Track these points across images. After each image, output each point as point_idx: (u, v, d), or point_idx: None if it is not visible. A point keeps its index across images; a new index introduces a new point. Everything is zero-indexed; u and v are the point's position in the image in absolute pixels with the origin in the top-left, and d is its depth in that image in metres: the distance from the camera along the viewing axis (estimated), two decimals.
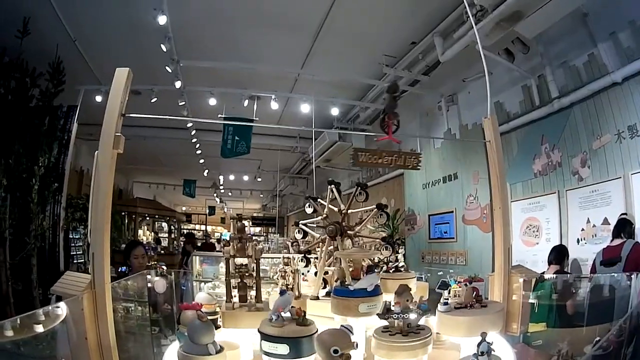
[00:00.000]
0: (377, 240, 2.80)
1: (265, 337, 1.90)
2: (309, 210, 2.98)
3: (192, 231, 23.44)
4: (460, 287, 2.42)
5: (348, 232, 2.69)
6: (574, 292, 4.03)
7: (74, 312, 2.14)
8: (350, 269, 2.55)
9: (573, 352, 3.47)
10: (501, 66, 7.41)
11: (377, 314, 2.05)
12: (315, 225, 3.04)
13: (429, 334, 1.96)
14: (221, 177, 20.70)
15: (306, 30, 7.90)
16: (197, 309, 2.13)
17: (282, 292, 2.12)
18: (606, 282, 3.86)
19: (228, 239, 2.50)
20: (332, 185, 2.91)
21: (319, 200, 2.99)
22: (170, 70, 8.25)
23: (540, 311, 3.74)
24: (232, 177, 20.78)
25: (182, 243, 20.02)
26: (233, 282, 2.41)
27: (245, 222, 2.56)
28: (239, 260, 2.42)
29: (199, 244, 17.34)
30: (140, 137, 11.59)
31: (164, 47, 7.54)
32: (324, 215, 2.83)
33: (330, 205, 2.88)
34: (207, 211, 28.09)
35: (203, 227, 30.36)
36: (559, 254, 5.87)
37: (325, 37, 8.02)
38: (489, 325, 2.05)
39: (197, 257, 8.87)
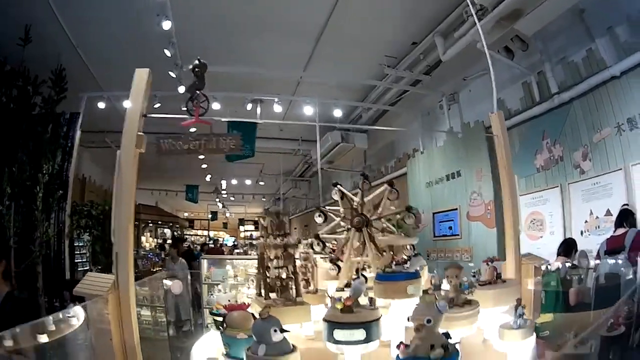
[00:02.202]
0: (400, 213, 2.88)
1: (339, 325, 1.87)
2: (319, 220, 3.05)
3: (181, 237, 23.49)
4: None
5: (371, 218, 2.79)
6: (580, 281, 4.11)
7: (98, 313, 2.18)
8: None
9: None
10: (501, 64, 7.46)
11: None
12: (330, 235, 3.09)
13: (478, 305, 2.14)
14: (223, 182, 20.68)
15: (308, 33, 7.98)
16: (244, 308, 2.15)
17: (354, 279, 2.17)
18: (611, 269, 3.93)
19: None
20: (339, 185, 3.05)
21: (327, 207, 3.10)
22: (174, 75, 8.30)
23: (548, 300, 3.81)
24: (234, 182, 20.77)
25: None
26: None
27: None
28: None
29: (186, 248, 17.14)
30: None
31: (167, 52, 7.59)
32: (342, 216, 2.93)
33: (342, 208, 2.98)
34: (210, 216, 28.08)
35: (205, 233, 30.36)
36: (567, 247, 5.93)
37: (327, 40, 8.10)
38: (512, 296, 2.25)
39: (206, 261, 9.02)
